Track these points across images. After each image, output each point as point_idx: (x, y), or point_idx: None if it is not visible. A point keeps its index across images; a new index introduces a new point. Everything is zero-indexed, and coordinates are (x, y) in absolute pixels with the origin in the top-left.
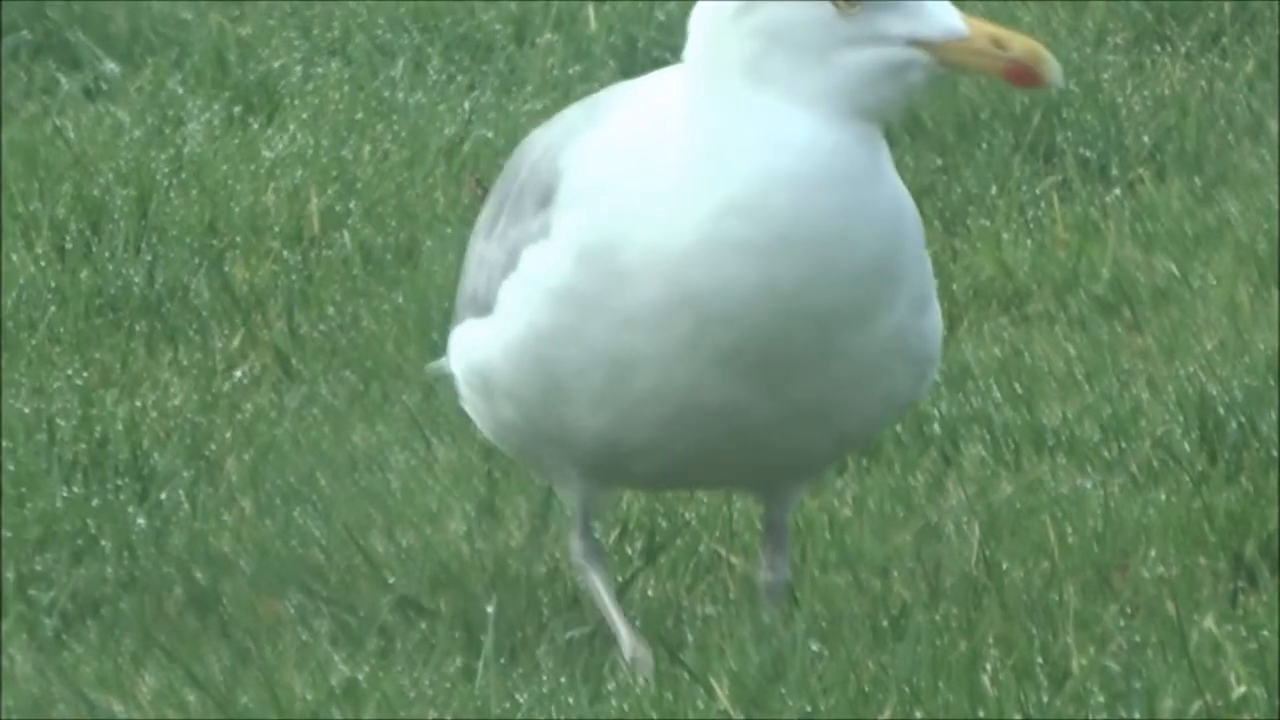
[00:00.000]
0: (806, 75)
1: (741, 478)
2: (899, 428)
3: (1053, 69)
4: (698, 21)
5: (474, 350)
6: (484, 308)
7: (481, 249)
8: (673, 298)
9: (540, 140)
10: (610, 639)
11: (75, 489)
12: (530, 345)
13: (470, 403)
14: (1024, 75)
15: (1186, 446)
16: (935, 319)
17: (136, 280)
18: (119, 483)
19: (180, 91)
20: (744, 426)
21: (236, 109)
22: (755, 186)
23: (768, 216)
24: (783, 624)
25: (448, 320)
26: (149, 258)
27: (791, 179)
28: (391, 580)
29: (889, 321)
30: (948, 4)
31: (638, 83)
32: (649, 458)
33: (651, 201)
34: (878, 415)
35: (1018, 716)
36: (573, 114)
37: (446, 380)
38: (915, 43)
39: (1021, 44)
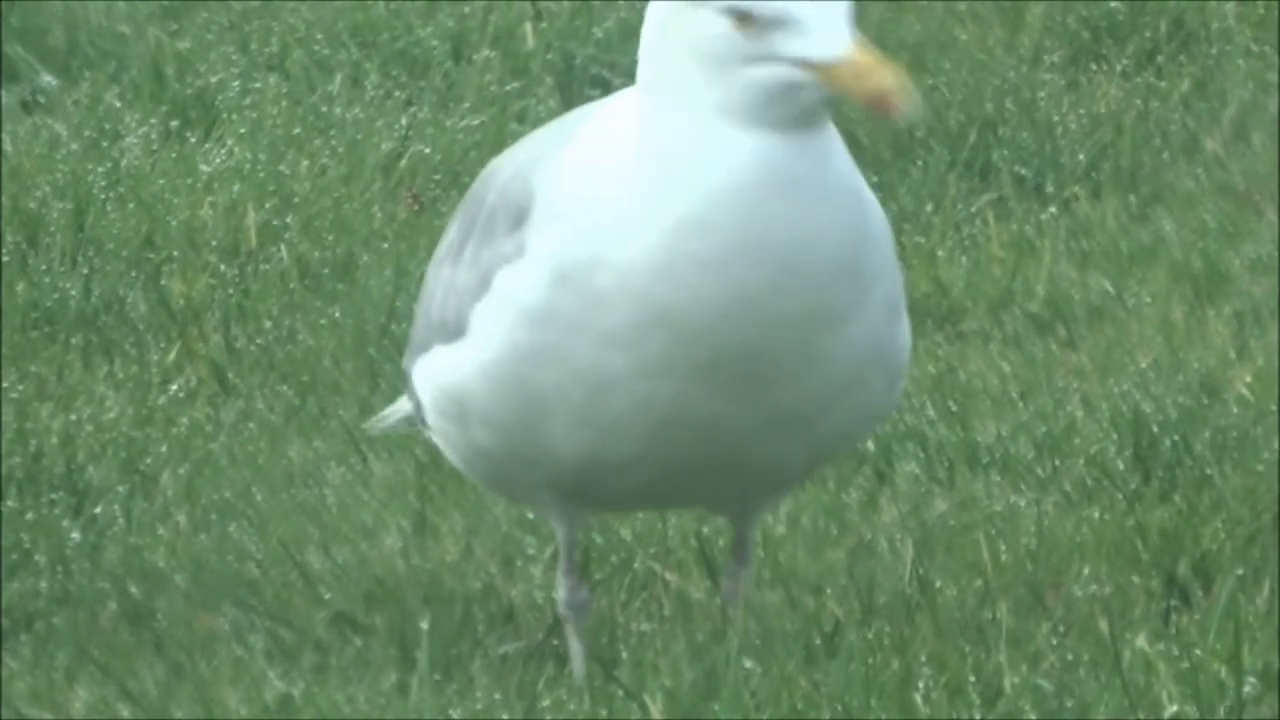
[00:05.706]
0: (712, 89)
1: (718, 492)
2: None
3: (906, 101)
4: (641, 42)
5: (446, 375)
6: (455, 333)
7: (449, 276)
8: (646, 316)
9: (508, 163)
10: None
11: (9, 502)
12: (509, 366)
13: (441, 431)
14: (880, 104)
15: (1120, 465)
16: (906, 330)
17: (73, 293)
18: (54, 496)
19: (118, 105)
20: (725, 438)
21: (174, 123)
22: (700, 203)
23: (717, 230)
24: (715, 640)
25: (384, 335)
26: (85, 271)
27: (734, 192)
28: (327, 596)
29: (864, 324)
30: (841, 25)
31: (602, 103)
32: (629, 474)
33: (618, 221)
34: (854, 427)
35: None
36: (542, 135)
37: (400, 423)
38: (804, 64)
39: (880, 75)
